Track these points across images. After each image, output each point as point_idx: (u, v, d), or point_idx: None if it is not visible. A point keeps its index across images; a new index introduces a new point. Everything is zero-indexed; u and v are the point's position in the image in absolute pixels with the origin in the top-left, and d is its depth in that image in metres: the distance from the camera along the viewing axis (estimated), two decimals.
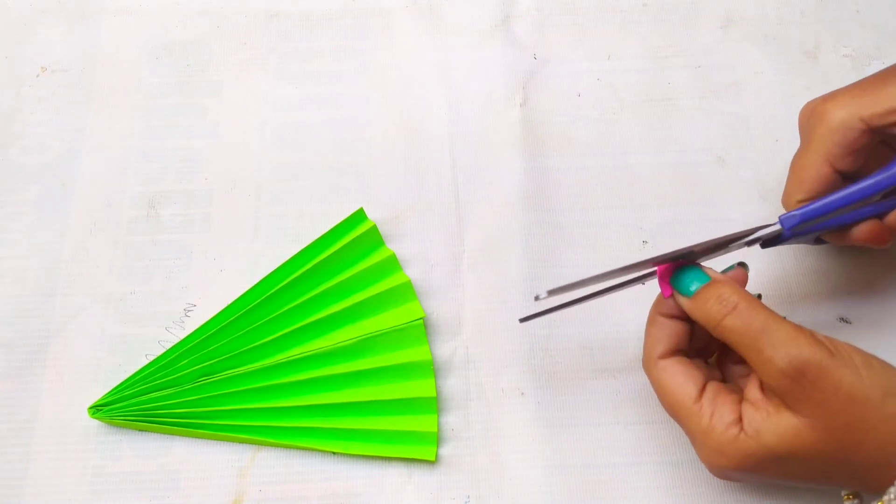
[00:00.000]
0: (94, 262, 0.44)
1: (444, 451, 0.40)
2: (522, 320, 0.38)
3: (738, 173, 0.47)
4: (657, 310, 0.36)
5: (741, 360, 0.37)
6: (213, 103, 0.49)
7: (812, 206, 0.37)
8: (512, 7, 0.52)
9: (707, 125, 0.49)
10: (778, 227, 0.37)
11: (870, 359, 0.32)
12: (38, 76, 0.50)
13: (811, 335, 0.32)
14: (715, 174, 0.47)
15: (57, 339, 0.42)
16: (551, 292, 0.33)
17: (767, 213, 0.46)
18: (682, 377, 0.34)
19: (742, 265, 0.36)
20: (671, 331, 0.35)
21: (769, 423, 0.31)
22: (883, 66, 0.50)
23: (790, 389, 0.31)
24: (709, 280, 0.34)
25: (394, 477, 0.40)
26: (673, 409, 0.34)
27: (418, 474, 0.40)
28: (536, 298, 0.34)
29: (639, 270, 0.35)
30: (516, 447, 0.40)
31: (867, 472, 0.31)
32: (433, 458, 0.40)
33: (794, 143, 0.48)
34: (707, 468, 0.34)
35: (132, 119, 0.48)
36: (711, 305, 0.33)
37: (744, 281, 0.36)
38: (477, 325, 0.43)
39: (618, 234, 0.45)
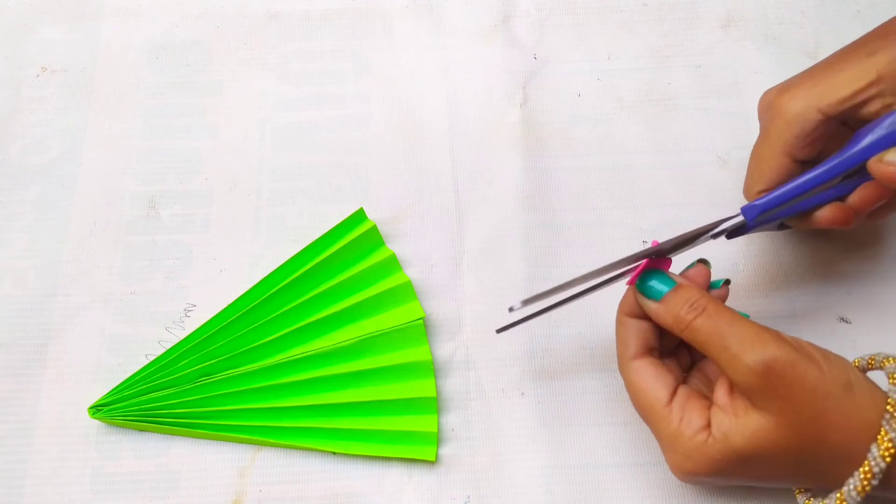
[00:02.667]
0: (94, 262, 0.44)
1: (444, 451, 0.40)
2: (499, 331, 0.38)
3: (738, 173, 0.47)
4: (622, 310, 0.36)
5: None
6: (213, 103, 0.49)
7: (772, 196, 0.37)
8: (512, 7, 0.52)
9: (707, 125, 0.49)
10: (741, 218, 0.37)
11: (827, 353, 0.32)
12: (38, 76, 0.50)
13: (776, 333, 0.32)
14: (715, 174, 0.47)
15: (57, 339, 0.42)
16: (525, 302, 0.34)
17: None
18: (653, 380, 0.34)
19: (703, 262, 0.36)
20: (638, 330, 0.35)
21: (738, 426, 0.32)
22: None
23: (759, 386, 0.31)
24: (675, 284, 0.34)
25: (394, 477, 0.40)
26: (644, 411, 0.35)
27: (418, 474, 0.40)
28: (510, 310, 0.34)
29: (610, 272, 0.35)
30: (516, 447, 0.41)
31: (829, 467, 0.31)
32: (433, 458, 0.40)
33: None
34: (672, 472, 0.34)
35: (132, 119, 0.48)
36: (681, 309, 0.33)
37: (707, 276, 0.36)
38: (477, 325, 0.43)
39: (618, 234, 0.45)
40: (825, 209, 0.37)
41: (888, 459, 0.30)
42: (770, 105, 0.39)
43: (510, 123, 0.48)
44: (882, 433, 0.30)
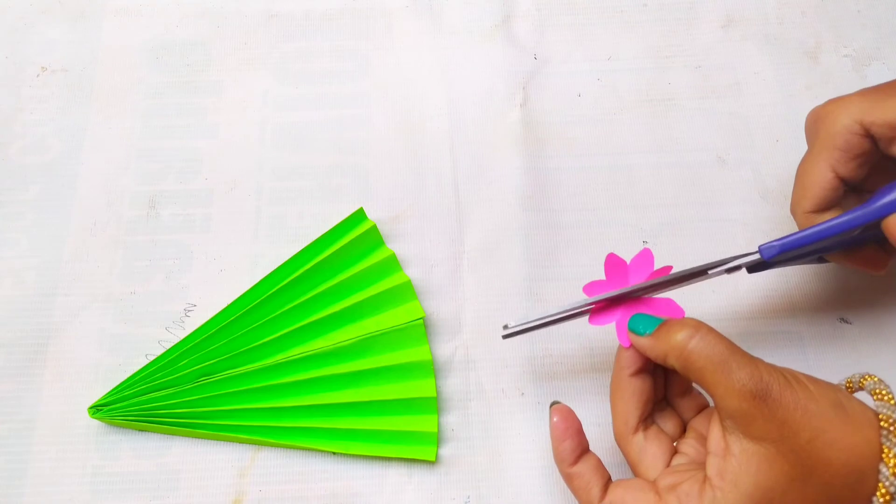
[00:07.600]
0: (94, 262, 0.44)
1: (444, 451, 0.40)
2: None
3: (738, 173, 0.47)
4: (624, 369, 0.35)
5: (686, 393, 0.37)
6: (213, 103, 0.49)
7: (790, 239, 0.37)
8: (512, 7, 0.52)
9: (707, 125, 0.49)
10: (757, 256, 0.37)
11: (811, 377, 0.32)
12: (38, 76, 0.50)
13: (762, 360, 0.32)
14: (715, 174, 0.47)
15: (57, 339, 0.42)
16: (523, 326, 0.37)
17: (767, 213, 0.46)
18: (652, 459, 0.34)
19: None
20: (638, 393, 0.35)
21: (742, 467, 0.31)
22: (883, 66, 0.50)
23: (756, 411, 0.30)
24: (662, 321, 0.34)
25: (394, 477, 0.40)
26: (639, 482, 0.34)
27: (418, 474, 0.40)
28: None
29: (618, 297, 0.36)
30: (516, 447, 0.41)
31: (845, 494, 0.30)
32: (433, 459, 0.40)
33: (794, 143, 0.48)
34: None
35: (132, 119, 0.48)
36: (677, 335, 0.32)
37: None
38: (477, 325, 0.43)
39: (618, 234, 0.45)
40: (866, 251, 0.37)
41: None
42: (818, 116, 0.38)
43: (510, 123, 0.48)
44: (885, 451, 0.30)
